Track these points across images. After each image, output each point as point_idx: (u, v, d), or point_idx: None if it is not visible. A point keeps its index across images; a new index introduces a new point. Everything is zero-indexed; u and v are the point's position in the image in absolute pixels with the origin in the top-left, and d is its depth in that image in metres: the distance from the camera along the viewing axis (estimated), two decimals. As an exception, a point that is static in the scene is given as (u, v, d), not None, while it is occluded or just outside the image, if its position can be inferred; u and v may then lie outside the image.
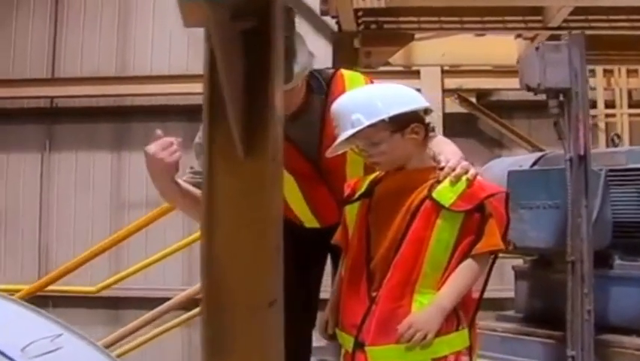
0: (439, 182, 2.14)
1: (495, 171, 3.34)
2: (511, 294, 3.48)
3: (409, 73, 7.63)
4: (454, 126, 7.84)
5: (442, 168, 2.17)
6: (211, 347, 1.40)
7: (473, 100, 7.66)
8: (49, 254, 8.13)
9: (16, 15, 8.21)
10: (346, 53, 4.65)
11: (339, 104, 2.19)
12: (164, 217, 4.11)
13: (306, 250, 2.60)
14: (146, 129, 6.89)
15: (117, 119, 7.91)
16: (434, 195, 2.11)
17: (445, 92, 7.52)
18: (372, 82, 2.52)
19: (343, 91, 2.41)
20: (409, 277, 2.11)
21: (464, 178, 2.12)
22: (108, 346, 3.62)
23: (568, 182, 2.62)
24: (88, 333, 4.19)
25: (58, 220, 8.19)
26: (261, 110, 1.40)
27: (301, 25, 2.37)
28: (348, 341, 2.22)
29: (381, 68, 7.23)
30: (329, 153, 2.24)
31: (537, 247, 3.00)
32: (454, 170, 2.14)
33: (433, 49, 5.47)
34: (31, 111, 8.25)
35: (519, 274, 3.33)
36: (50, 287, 4.24)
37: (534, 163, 3.29)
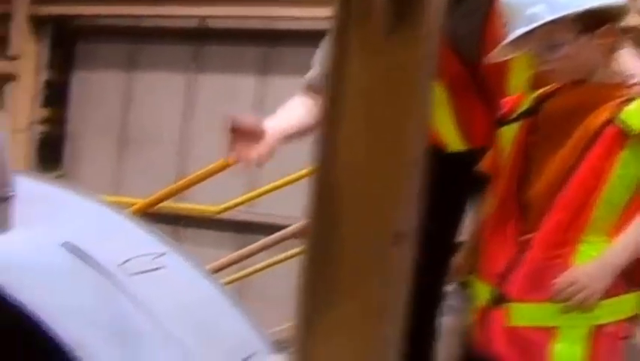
0: (631, 101, 1.68)
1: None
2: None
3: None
4: None
5: (632, 85, 1.68)
6: (313, 292, 1.02)
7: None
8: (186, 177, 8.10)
9: None
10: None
11: None
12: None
13: (447, 186, 2.16)
14: (294, 54, 6.62)
15: (264, 43, 7.68)
16: (622, 117, 1.65)
17: None
18: None
19: None
20: (575, 219, 1.65)
21: None
22: (218, 270, 3.38)
23: None
24: (212, 257, 3.98)
25: (197, 143, 8.11)
26: None
27: None
28: (485, 293, 1.80)
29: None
30: (493, 57, 1.80)
31: None
32: None
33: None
34: (178, 31, 8.18)
35: None
36: (173, 205, 4.05)
37: None
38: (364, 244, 0.98)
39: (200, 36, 8.16)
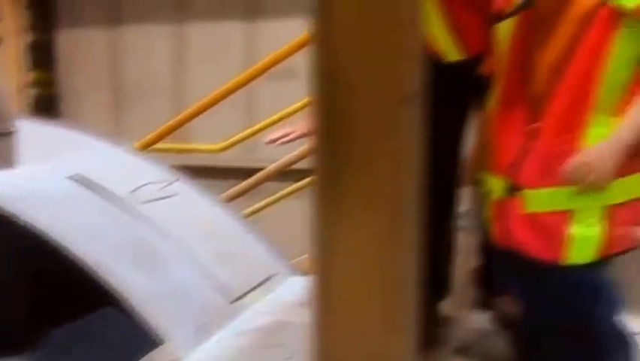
0: None
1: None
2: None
3: None
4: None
5: None
6: (326, 167, 1.03)
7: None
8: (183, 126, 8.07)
9: None
10: None
11: None
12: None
13: (450, 95, 2.15)
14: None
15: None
16: None
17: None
18: None
19: None
20: (579, 103, 1.64)
21: None
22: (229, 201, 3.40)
23: None
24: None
25: (191, 90, 8.08)
26: None
27: None
28: (498, 186, 1.81)
29: None
30: None
31: None
32: None
33: None
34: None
35: None
36: (174, 146, 4.03)
37: None
38: (373, 108, 0.99)
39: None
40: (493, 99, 1.86)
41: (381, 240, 1.02)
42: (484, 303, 2.70)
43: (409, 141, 1.06)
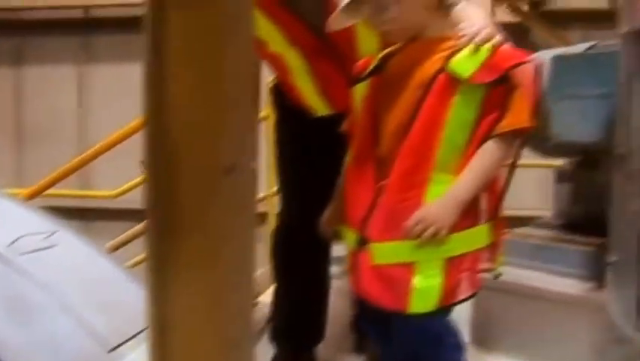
0: (457, 51, 1.81)
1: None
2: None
3: (457, -21, 7.20)
4: (506, 37, 7.40)
5: (461, 37, 1.84)
6: (157, 229, 1.13)
7: (525, 9, 7.19)
8: (87, 168, 8.02)
9: None
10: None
11: None
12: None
13: (328, 144, 2.30)
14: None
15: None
16: (450, 66, 1.79)
17: (496, 0, 7.09)
18: None
19: None
20: (421, 162, 1.81)
21: (486, 47, 1.79)
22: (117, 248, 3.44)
23: (620, 62, 2.25)
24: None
25: (95, 133, 8.05)
26: None
27: None
28: (351, 239, 1.95)
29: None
30: (331, 25, 1.94)
31: (582, 141, 2.64)
32: (475, 36, 1.80)
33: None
34: (65, 22, 8.07)
35: (559, 177, 2.98)
36: (66, 191, 4.04)
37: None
38: (199, 178, 1.11)
39: (87, 26, 8.07)
40: (349, 156, 2.00)
41: (213, 301, 1.13)
42: (359, 347, 2.84)
43: (236, 208, 1.19)
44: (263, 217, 3.92)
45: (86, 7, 7.91)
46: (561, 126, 2.60)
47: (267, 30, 2.25)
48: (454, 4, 2.09)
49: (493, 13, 6.65)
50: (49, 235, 2.70)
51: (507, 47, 1.84)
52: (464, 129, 1.79)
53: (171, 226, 1.13)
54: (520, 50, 1.86)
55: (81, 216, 7.36)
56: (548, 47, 7.23)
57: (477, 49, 1.79)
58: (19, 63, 8.41)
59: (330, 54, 2.25)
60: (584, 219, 2.81)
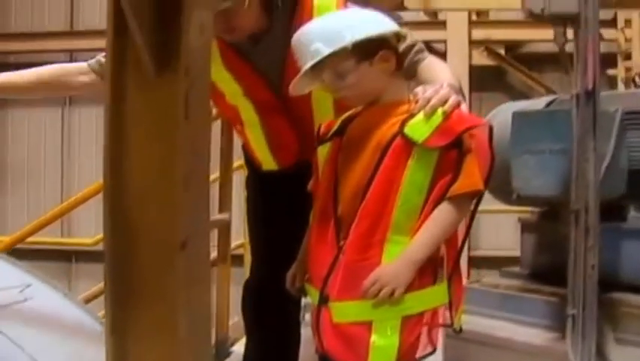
0: (413, 116, 1.88)
1: (505, 115, 3.06)
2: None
3: (435, 23, 7.34)
4: (482, 79, 7.59)
5: (416, 101, 1.91)
6: (116, 298, 1.20)
7: (502, 52, 7.33)
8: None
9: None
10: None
11: (299, 35, 1.95)
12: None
13: (295, 202, 2.37)
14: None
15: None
16: (405, 130, 1.85)
17: (473, 43, 7.23)
18: (345, 4, 2.27)
19: (310, 14, 2.18)
20: (378, 224, 1.87)
21: (440, 110, 1.85)
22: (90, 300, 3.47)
23: (574, 121, 2.34)
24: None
25: (79, 174, 8.10)
26: (173, 18, 1.20)
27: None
28: (314, 296, 2.00)
29: (408, 19, 6.99)
30: (291, 91, 2.01)
31: (542, 195, 2.73)
32: (429, 101, 1.86)
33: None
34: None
35: (525, 227, 3.06)
36: (45, 239, 4.08)
37: (546, 106, 3.00)
38: (156, 252, 1.17)
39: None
40: (312, 215, 2.06)
41: (171, 337, 1.19)
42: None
43: (191, 279, 1.25)
44: (241, 261, 3.96)
45: (72, 51, 7.99)
46: (522, 180, 2.68)
47: (225, 82, 2.32)
48: (418, 61, 2.16)
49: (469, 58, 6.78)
50: (23, 289, 2.73)
51: (461, 110, 1.91)
52: (419, 192, 1.86)
53: (130, 295, 1.19)
54: (472, 115, 1.93)
55: (64, 257, 7.37)
56: (525, 89, 7.40)
57: (431, 113, 1.86)
58: (4, 106, 8.47)
59: (283, 111, 2.32)
60: (550, 268, 2.88)
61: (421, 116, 1.86)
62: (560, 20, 2.36)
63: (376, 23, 1.92)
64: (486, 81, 7.52)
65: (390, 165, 1.86)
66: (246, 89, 2.32)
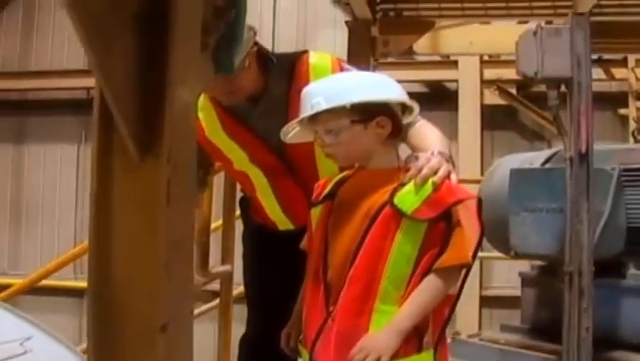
0: (403, 185, 1.89)
1: (504, 170, 3.07)
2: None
3: (446, 63, 7.37)
4: (494, 118, 7.59)
5: (409, 169, 1.93)
6: None
7: (513, 91, 7.34)
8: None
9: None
10: (363, 42, 4.42)
11: (307, 88, 1.98)
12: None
13: (291, 260, 2.39)
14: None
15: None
16: (395, 200, 1.86)
17: (484, 83, 7.24)
18: (341, 67, 2.31)
19: (307, 76, 2.22)
20: (367, 292, 1.88)
21: (430, 181, 1.86)
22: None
23: (567, 184, 2.35)
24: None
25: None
26: (157, 105, 1.23)
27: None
28: (305, 357, 2.02)
29: (420, 58, 7.05)
30: (283, 137, 2.04)
31: (539, 253, 2.73)
32: (421, 170, 1.88)
33: (459, 36, 5.19)
34: (67, 103, 8.26)
35: (525, 281, 3.06)
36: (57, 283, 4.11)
37: (546, 161, 3.01)
38: (137, 334, 1.20)
39: (89, 107, 8.23)
40: (306, 275, 2.08)
41: None
42: None
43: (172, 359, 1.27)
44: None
45: (88, 89, 8.10)
46: (519, 238, 2.69)
47: (231, 149, 2.36)
48: (410, 124, 2.18)
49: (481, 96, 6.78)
50: (23, 341, 2.76)
51: (451, 180, 1.91)
52: (407, 262, 1.86)
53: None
54: (461, 186, 1.94)
55: (76, 294, 7.41)
56: (536, 127, 7.39)
57: (422, 183, 1.88)
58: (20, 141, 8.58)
59: (290, 173, 2.35)
60: (549, 324, 2.87)
61: (411, 186, 1.87)
62: (553, 83, 2.38)
63: (381, 89, 1.94)
64: (497, 120, 7.52)
65: (378, 233, 1.87)
66: (251, 156, 2.36)
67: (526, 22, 4.62)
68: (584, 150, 2.29)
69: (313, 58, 2.33)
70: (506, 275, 7.57)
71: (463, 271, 1.92)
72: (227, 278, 3.22)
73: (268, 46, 2.44)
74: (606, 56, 6.34)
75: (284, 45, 6.90)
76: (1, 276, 7.69)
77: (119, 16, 1.19)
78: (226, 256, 3.18)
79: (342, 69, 2.31)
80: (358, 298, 1.89)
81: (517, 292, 3.23)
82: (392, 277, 1.87)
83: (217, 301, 3.48)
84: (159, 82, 1.23)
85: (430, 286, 1.86)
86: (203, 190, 2.77)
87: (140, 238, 1.23)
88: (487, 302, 7.20)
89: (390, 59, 5.09)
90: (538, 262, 3.10)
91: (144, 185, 1.23)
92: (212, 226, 3.07)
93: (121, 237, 1.23)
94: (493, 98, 7.36)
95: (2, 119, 8.46)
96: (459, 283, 1.94)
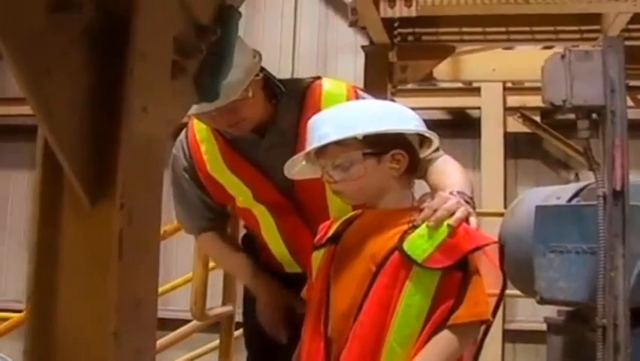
0: (415, 227, 1.63)
1: (528, 205, 2.82)
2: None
3: (469, 90, 7.14)
4: (518, 147, 7.33)
5: (422, 210, 1.68)
6: None
7: (537, 119, 7.08)
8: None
9: None
10: (380, 68, 4.21)
11: (314, 117, 1.76)
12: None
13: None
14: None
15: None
16: (405, 245, 1.60)
17: (507, 110, 7.00)
18: (357, 95, 2.08)
19: (318, 105, 2.00)
20: (372, 351, 1.61)
21: (445, 224, 1.60)
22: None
23: (600, 224, 2.09)
24: None
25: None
26: (109, 140, 1.04)
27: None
28: (303, 420, 1.79)
29: (442, 85, 6.83)
30: (287, 173, 1.82)
31: (567, 300, 2.47)
32: (435, 211, 1.62)
33: (482, 62, 4.97)
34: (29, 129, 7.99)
35: (552, 328, 2.79)
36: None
37: (574, 196, 2.75)
38: None
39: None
40: (304, 329, 1.85)
41: None
42: None
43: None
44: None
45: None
46: (545, 282, 2.44)
47: (233, 185, 2.15)
48: (431, 160, 1.94)
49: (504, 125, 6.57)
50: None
51: (470, 223, 1.66)
52: (417, 318, 1.60)
53: None
54: (479, 232, 1.68)
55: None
56: (561, 156, 7.13)
57: (435, 227, 1.62)
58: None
59: (297, 212, 2.13)
60: (579, 377, 2.61)
61: (423, 229, 1.61)
62: (583, 112, 2.14)
63: (396, 118, 1.71)
64: (521, 148, 7.27)
65: (385, 283, 1.62)
66: (255, 193, 2.14)
67: (551, 47, 4.38)
68: (619, 187, 2.03)
69: (327, 84, 2.11)
70: (531, 309, 7.27)
71: (482, 328, 1.68)
72: (228, 320, 3.00)
73: (288, 73, 2.23)
74: (632, 83, 6.10)
75: (303, 72, 6.70)
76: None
77: (64, 33, 0.98)
78: (227, 296, 2.96)
79: (357, 97, 2.09)
80: (362, 357, 1.64)
81: (543, 327, 2.96)
82: (399, 335, 1.61)
83: (217, 342, 3.27)
84: (113, 111, 1.03)
85: (442, 344, 1.59)
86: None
87: (88, 298, 1.03)
88: (510, 336, 6.90)
89: (410, 86, 4.89)
90: (566, 308, 2.84)
91: (95, 234, 1.03)
92: (212, 263, 2.85)
93: (66, 295, 1.04)
94: (516, 125, 7.12)
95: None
96: (478, 342, 1.69)
